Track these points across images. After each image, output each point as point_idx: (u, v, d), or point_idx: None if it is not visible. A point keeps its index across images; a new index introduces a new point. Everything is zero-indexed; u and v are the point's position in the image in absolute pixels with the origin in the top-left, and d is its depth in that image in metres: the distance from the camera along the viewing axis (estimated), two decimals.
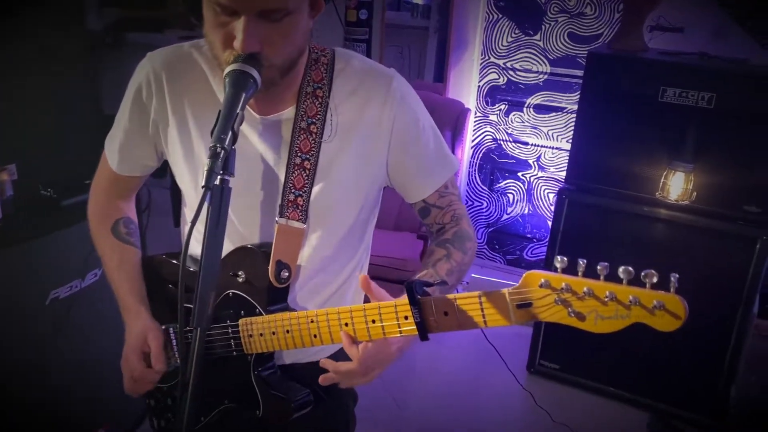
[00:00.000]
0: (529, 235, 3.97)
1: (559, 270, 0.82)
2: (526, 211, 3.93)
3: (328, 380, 1.15)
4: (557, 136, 3.73)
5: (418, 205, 1.33)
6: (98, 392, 2.21)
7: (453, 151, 3.48)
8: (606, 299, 0.77)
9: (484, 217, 4.07)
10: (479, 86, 3.85)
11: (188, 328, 1.07)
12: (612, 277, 0.78)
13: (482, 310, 0.90)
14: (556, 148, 3.75)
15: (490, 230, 4.07)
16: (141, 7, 3.95)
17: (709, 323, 2.63)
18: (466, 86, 3.83)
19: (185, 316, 1.02)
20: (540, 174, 3.83)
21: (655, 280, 0.75)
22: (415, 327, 0.98)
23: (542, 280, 0.82)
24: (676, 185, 2.65)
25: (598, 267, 0.78)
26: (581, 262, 0.80)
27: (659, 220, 2.71)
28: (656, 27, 3.09)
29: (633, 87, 2.69)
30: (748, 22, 3.11)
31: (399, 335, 1.02)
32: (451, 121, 3.48)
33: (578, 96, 3.05)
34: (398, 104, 1.23)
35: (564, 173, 3.06)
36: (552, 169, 3.79)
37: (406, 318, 0.99)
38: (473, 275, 3.70)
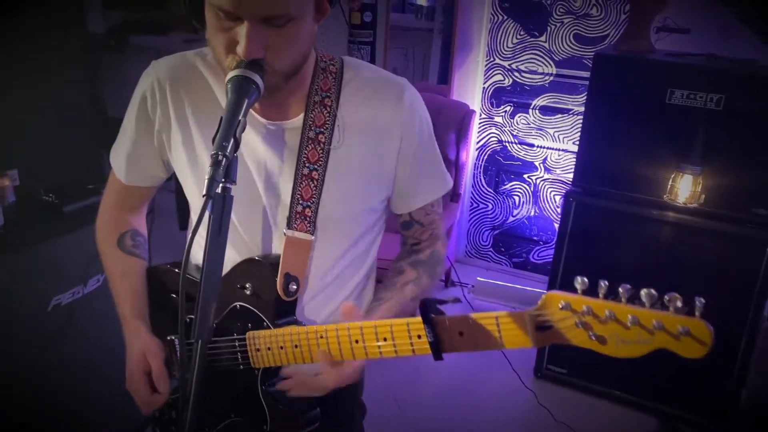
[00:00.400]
0: (535, 238, 3.94)
1: (579, 291, 0.79)
2: (532, 214, 3.90)
3: (285, 386, 1.15)
4: (563, 137, 3.70)
5: (402, 218, 1.33)
6: (100, 398, 2.19)
7: (458, 153, 3.47)
8: (629, 323, 0.75)
9: (489, 220, 4.04)
10: (484, 88, 3.82)
11: (190, 341, 1.05)
12: (634, 299, 0.76)
13: (499, 331, 0.87)
14: (563, 150, 3.72)
15: (495, 233, 4.05)
16: (144, 10, 3.93)
17: (719, 327, 2.58)
18: (471, 88, 3.80)
19: (187, 328, 1.00)
20: (546, 176, 3.80)
21: (679, 304, 0.73)
22: (428, 346, 0.95)
23: (562, 302, 0.79)
24: (685, 188, 2.62)
25: (620, 289, 0.76)
26: (602, 284, 0.78)
27: (667, 223, 2.69)
28: (663, 28, 3.05)
29: (640, 89, 2.66)
30: (755, 22, 3.07)
31: (412, 354, 0.99)
32: (456, 122, 3.45)
33: (584, 98, 3.02)
34: (407, 115, 1.21)
35: (571, 175, 3.03)
36: (558, 171, 3.76)
37: (419, 337, 0.97)
38: (479, 278, 3.67)
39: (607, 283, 0.78)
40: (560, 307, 0.79)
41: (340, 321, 1.08)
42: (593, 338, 0.77)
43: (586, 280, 0.78)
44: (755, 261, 2.54)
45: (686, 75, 2.59)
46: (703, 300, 0.71)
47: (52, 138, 2.49)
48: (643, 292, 0.75)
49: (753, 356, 2.65)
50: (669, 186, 2.65)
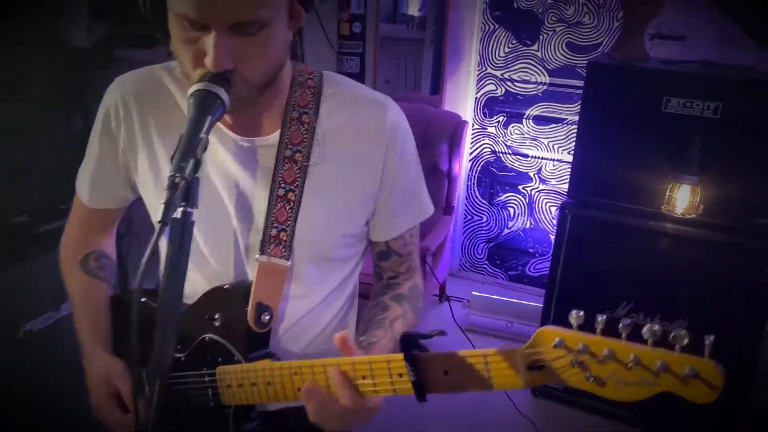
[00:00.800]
0: (531, 250, 3.86)
1: (574, 326, 0.71)
2: (527, 226, 3.82)
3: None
4: (558, 147, 3.63)
5: (379, 246, 1.24)
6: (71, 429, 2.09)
7: (450, 165, 3.39)
8: (630, 364, 0.66)
9: (484, 232, 3.96)
10: (476, 98, 3.75)
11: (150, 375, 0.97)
12: (636, 335, 0.67)
13: (488, 371, 0.79)
14: (557, 161, 3.65)
15: (490, 245, 3.97)
16: (129, 23, 3.86)
17: (721, 340, 2.52)
18: (463, 98, 3.74)
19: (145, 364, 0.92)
20: (541, 187, 3.73)
21: (686, 342, 0.65)
22: (410, 386, 0.87)
23: (557, 339, 0.71)
24: (682, 198, 2.55)
25: (621, 325, 0.68)
26: (600, 318, 0.70)
27: (666, 235, 2.61)
28: (657, 35, 3.00)
29: (635, 97, 2.59)
30: (751, 28, 3.02)
31: (392, 394, 0.90)
32: (448, 133, 3.38)
33: (579, 107, 2.95)
34: (390, 136, 1.14)
35: (566, 186, 2.96)
36: (553, 181, 3.69)
37: (400, 375, 0.88)
38: (474, 293, 3.58)
39: (605, 317, 0.70)
40: (554, 344, 0.71)
41: (330, 353, 0.99)
42: (591, 379, 0.69)
43: (582, 313, 0.70)
44: (756, 271, 2.46)
45: (682, 83, 2.52)
46: (712, 337, 0.63)
47: (25, 156, 2.40)
48: (646, 328, 0.67)
49: (757, 370, 2.57)
50: (667, 196, 2.58)
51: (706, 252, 2.56)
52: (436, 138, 3.32)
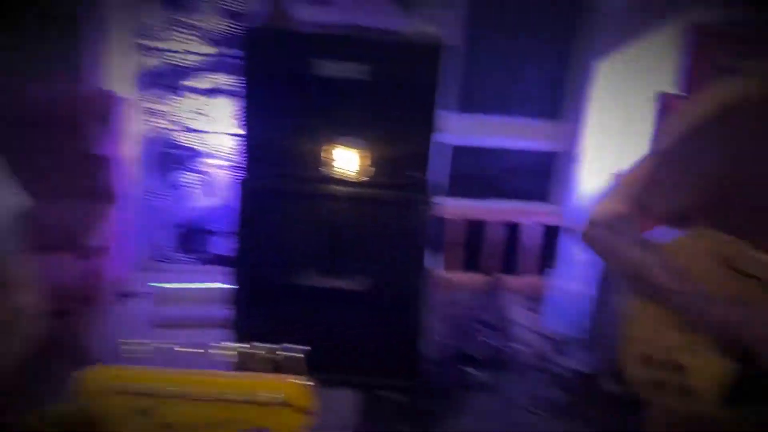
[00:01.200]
0: (220, 230, 3.69)
1: (132, 358, 0.53)
2: (212, 204, 3.65)
3: None
4: (230, 121, 3.48)
5: None
6: None
7: (107, 148, 3.01)
8: (199, 399, 0.51)
9: (168, 217, 3.67)
10: (134, 72, 3.39)
11: None
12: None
13: None
14: (231, 134, 3.50)
15: (178, 230, 3.70)
16: None
17: (395, 288, 2.72)
18: (118, 73, 3.33)
19: None
20: (218, 162, 3.57)
21: (284, 355, 0.51)
22: None
23: (96, 384, 0.52)
24: (349, 161, 2.62)
25: (204, 350, 0.52)
26: (173, 341, 0.53)
27: (341, 198, 2.66)
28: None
29: (292, 63, 2.54)
30: None
31: None
32: (101, 113, 3.00)
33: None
34: None
35: (242, 160, 2.85)
36: (230, 156, 3.54)
37: None
38: (157, 284, 3.28)
39: (161, 342, 0.53)
40: (95, 390, 0.52)
41: None
42: (163, 429, 0.53)
43: (148, 340, 0.53)
44: (416, 219, 2.66)
45: (334, 46, 2.54)
46: (307, 349, 0.51)
47: None
48: (233, 348, 0.52)
49: (426, 310, 2.76)
50: (337, 161, 2.62)
51: (378, 210, 2.67)
52: (85, 119, 2.92)
